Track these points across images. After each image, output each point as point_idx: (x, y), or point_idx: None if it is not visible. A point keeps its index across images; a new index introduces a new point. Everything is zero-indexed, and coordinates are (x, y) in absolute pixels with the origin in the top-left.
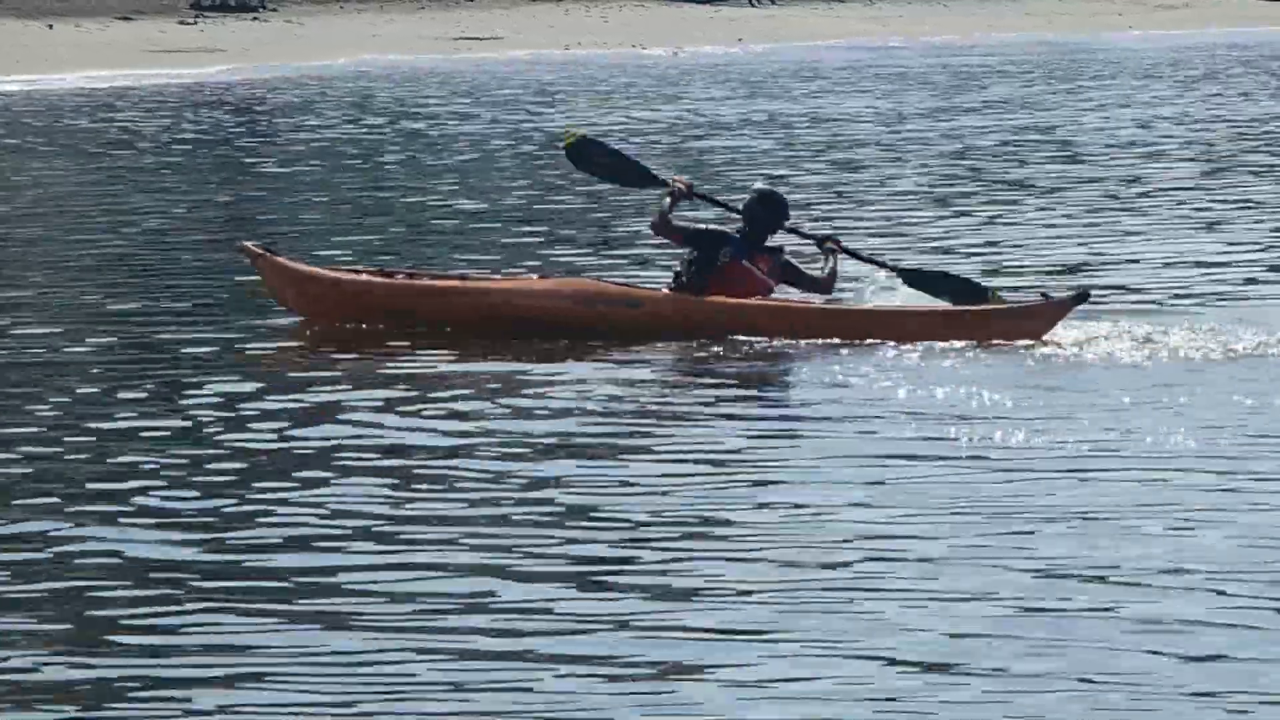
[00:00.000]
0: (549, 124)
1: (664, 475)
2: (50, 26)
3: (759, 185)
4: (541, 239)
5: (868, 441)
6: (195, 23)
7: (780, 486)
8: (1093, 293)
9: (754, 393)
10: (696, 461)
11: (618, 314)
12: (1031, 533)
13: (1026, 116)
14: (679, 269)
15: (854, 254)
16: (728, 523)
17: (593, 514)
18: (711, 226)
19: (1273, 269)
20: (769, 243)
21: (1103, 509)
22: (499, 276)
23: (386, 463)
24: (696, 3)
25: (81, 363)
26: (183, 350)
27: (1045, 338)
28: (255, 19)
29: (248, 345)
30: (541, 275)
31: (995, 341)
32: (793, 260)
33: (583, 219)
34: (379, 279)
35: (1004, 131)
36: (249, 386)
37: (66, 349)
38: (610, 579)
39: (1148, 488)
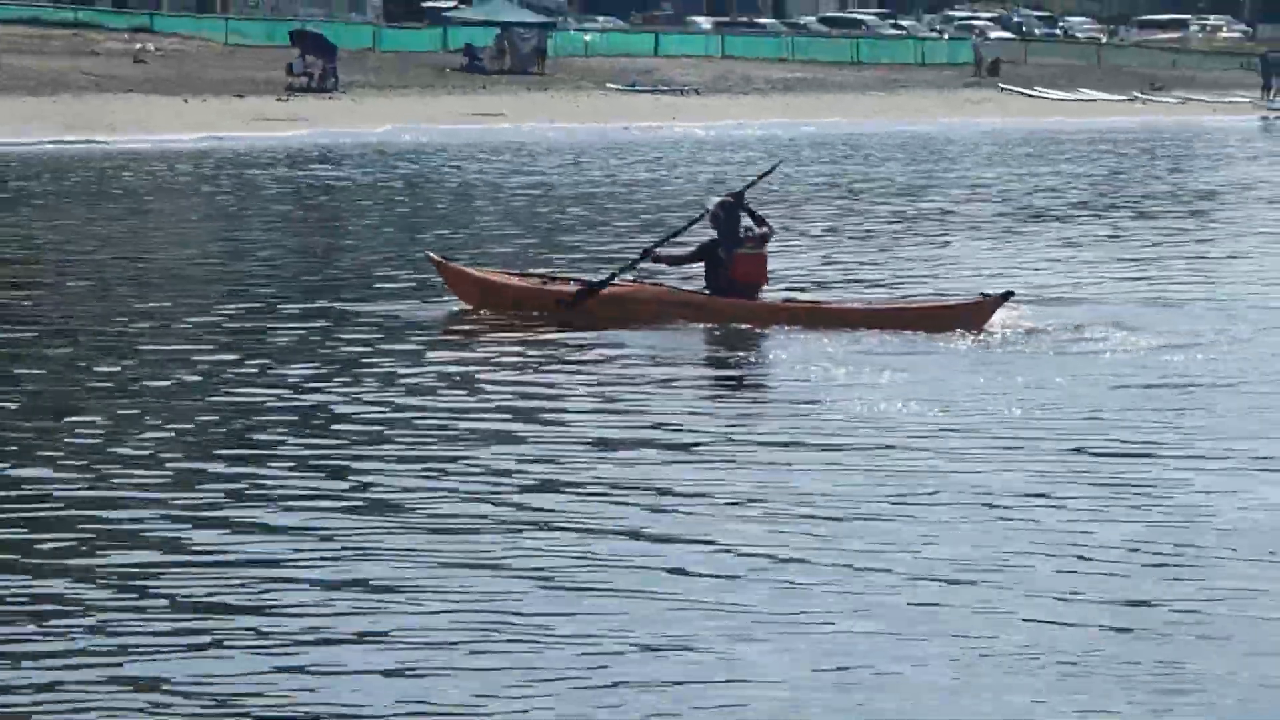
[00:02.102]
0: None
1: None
2: (185, 100)
3: (713, 199)
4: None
5: (822, 417)
6: (287, 100)
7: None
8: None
9: (730, 375)
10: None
11: (689, 314)
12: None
13: (867, 169)
14: (705, 276)
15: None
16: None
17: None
18: (702, 241)
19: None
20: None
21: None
22: (618, 282)
23: (533, 421)
24: (644, 92)
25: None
26: (373, 326)
27: (983, 328)
28: (330, 98)
29: (427, 328)
30: (642, 282)
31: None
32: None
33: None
34: (528, 282)
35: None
36: (430, 354)
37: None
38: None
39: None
